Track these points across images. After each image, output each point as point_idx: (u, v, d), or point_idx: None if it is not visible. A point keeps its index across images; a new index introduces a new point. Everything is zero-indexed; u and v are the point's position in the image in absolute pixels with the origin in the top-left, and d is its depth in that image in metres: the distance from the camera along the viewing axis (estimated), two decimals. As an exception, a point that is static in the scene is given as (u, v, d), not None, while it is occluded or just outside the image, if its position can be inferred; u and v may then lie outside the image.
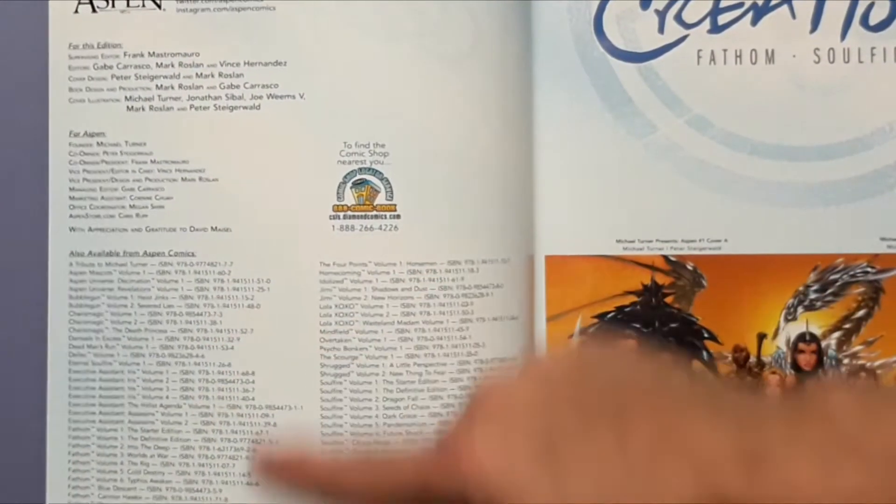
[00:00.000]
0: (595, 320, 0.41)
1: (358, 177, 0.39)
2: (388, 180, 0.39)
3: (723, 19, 0.41)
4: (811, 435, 0.26)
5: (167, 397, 0.39)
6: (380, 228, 0.39)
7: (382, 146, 0.39)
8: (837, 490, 0.25)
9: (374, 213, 0.39)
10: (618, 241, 0.41)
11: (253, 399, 0.39)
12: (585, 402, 0.29)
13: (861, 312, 0.41)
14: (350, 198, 0.39)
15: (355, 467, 0.33)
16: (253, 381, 0.39)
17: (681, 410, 0.28)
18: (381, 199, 0.39)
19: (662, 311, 0.41)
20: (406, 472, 0.31)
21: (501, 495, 0.28)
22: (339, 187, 0.39)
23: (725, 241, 0.41)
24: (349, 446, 0.39)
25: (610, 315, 0.41)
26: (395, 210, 0.39)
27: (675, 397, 0.29)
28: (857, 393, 0.27)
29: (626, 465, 0.27)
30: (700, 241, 0.41)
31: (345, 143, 0.39)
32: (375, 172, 0.39)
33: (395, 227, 0.39)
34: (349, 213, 0.39)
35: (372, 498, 0.32)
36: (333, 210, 0.39)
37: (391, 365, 0.38)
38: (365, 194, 0.39)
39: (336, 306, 0.39)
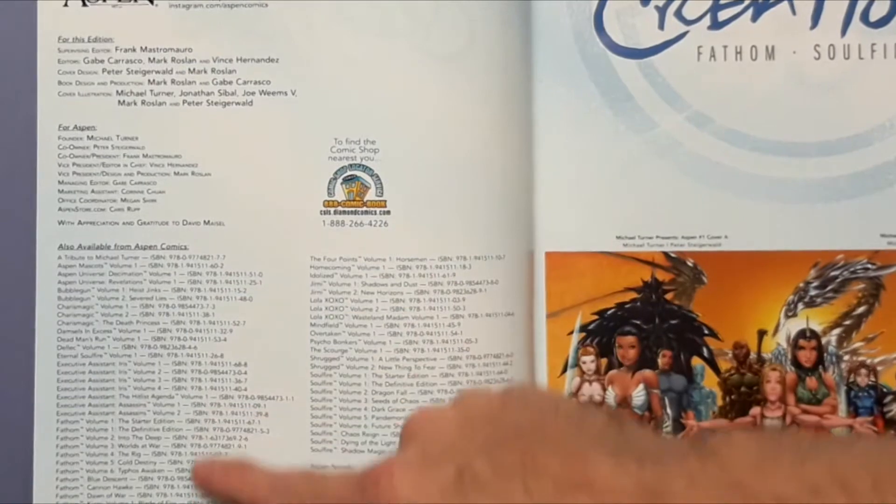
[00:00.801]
0: (595, 317, 0.41)
1: (348, 173, 0.40)
2: (378, 176, 0.40)
3: (723, 15, 0.42)
4: (708, 478, 0.28)
5: (159, 388, 0.40)
6: (370, 224, 0.40)
7: (373, 143, 0.40)
8: None
9: (365, 208, 0.40)
10: (618, 238, 0.41)
11: (245, 390, 0.40)
12: (500, 444, 0.31)
13: (861, 309, 0.41)
14: (340, 193, 0.40)
15: (291, 482, 0.35)
16: (245, 373, 0.40)
17: (587, 451, 0.30)
18: (371, 196, 0.40)
19: (662, 307, 0.41)
20: (336, 492, 0.33)
21: None
22: (329, 183, 0.40)
23: (726, 237, 0.41)
24: (338, 437, 0.39)
25: (610, 311, 0.41)
26: (385, 206, 0.40)
27: (585, 439, 0.31)
28: (755, 439, 0.29)
29: None
30: (700, 237, 0.41)
31: (336, 139, 0.40)
32: (366, 169, 0.40)
33: (385, 223, 0.40)
34: (340, 208, 0.40)
35: None
36: (324, 205, 0.40)
37: (380, 359, 0.39)
38: (355, 190, 0.40)
39: (326, 300, 0.40)
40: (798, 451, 0.29)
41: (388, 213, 0.40)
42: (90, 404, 0.40)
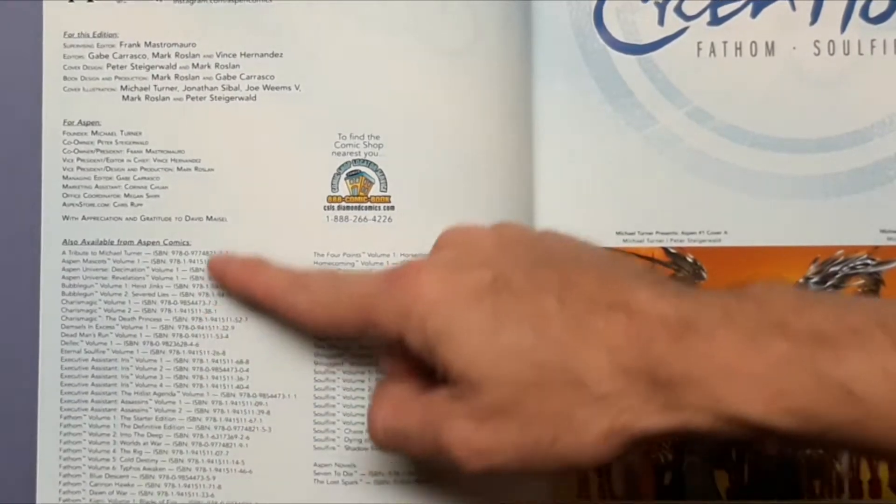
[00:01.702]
0: None
1: (352, 168, 0.39)
2: (382, 172, 0.39)
3: (722, 11, 0.42)
4: (745, 315, 0.27)
5: (161, 385, 0.40)
6: (374, 220, 0.39)
7: (377, 138, 0.39)
8: (763, 359, 0.26)
9: (369, 204, 0.39)
10: (617, 233, 0.41)
11: (247, 387, 0.39)
12: (536, 263, 0.30)
13: None
14: (344, 189, 0.39)
15: (311, 278, 0.34)
16: (247, 370, 0.39)
17: (624, 278, 0.29)
18: (375, 191, 0.39)
19: None
20: (357, 288, 0.32)
21: (436, 332, 0.29)
22: (333, 178, 0.39)
23: (725, 233, 0.41)
24: (341, 434, 0.39)
25: None
26: (389, 202, 0.39)
27: (622, 270, 0.30)
28: (795, 289, 0.29)
29: (562, 321, 0.28)
30: (700, 233, 0.41)
31: (340, 134, 0.40)
32: (370, 164, 0.39)
33: (389, 218, 0.39)
34: (343, 204, 0.39)
35: (321, 314, 0.33)
36: (328, 201, 0.39)
37: (384, 355, 0.39)
38: (359, 185, 0.39)
39: (330, 296, 0.39)
40: (838, 300, 0.28)
41: (393, 208, 0.39)
42: (93, 401, 0.40)
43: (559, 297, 0.29)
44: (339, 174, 0.39)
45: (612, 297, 0.28)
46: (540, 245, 0.32)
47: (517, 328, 0.29)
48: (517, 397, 0.28)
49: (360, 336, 0.33)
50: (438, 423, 0.30)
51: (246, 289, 0.37)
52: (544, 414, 0.28)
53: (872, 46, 0.41)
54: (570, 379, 0.28)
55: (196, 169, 0.40)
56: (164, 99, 0.40)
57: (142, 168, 0.40)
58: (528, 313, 0.29)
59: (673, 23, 0.42)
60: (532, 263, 0.30)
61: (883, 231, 0.41)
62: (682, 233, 0.41)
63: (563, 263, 0.30)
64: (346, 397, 0.39)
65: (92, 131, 0.40)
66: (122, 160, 0.40)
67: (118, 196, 0.40)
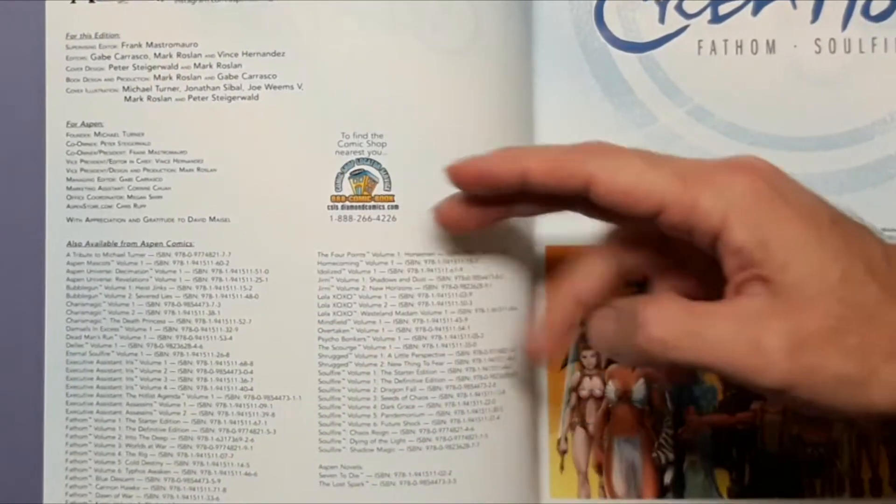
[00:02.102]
0: None
1: (356, 167, 0.39)
2: (385, 171, 0.39)
3: (723, 9, 0.42)
4: None
5: (165, 388, 0.39)
6: (378, 219, 0.39)
7: (381, 137, 0.39)
8: None
9: (372, 203, 0.39)
10: None
11: (251, 389, 0.39)
12: (828, 204, 0.31)
13: None
14: (348, 188, 0.39)
15: (605, 149, 0.32)
16: (251, 372, 0.39)
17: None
18: (378, 190, 0.39)
19: None
20: (686, 166, 0.31)
21: (779, 236, 0.29)
22: (337, 178, 0.39)
23: None
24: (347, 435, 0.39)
25: None
26: (393, 201, 0.39)
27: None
28: None
29: (885, 271, 0.29)
30: None
31: (343, 133, 0.39)
32: (373, 163, 0.39)
33: (393, 217, 0.39)
34: (347, 203, 0.39)
35: (626, 181, 0.31)
36: (331, 200, 0.39)
37: (389, 355, 0.38)
38: (363, 185, 0.39)
39: (334, 297, 0.39)
40: None
41: (397, 207, 0.39)
42: (98, 403, 0.40)
43: (882, 246, 0.30)
44: (342, 173, 0.39)
45: None
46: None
47: (854, 262, 0.29)
48: (845, 326, 0.28)
49: (649, 220, 0.31)
50: (758, 331, 0.28)
51: (516, 165, 0.33)
52: (864, 349, 0.28)
53: (873, 45, 0.41)
54: (890, 330, 0.28)
55: (199, 169, 0.40)
56: (166, 99, 0.40)
57: (144, 169, 0.40)
58: (860, 252, 0.29)
59: (674, 21, 0.42)
60: (844, 211, 0.31)
61: (884, 229, 0.40)
62: None
63: (845, 212, 0.31)
64: (352, 398, 0.39)
65: (95, 132, 0.40)
66: (125, 161, 0.40)
67: (121, 197, 0.40)
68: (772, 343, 0.28)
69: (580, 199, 0.32)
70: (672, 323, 0.29)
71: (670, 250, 0.34)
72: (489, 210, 0.35)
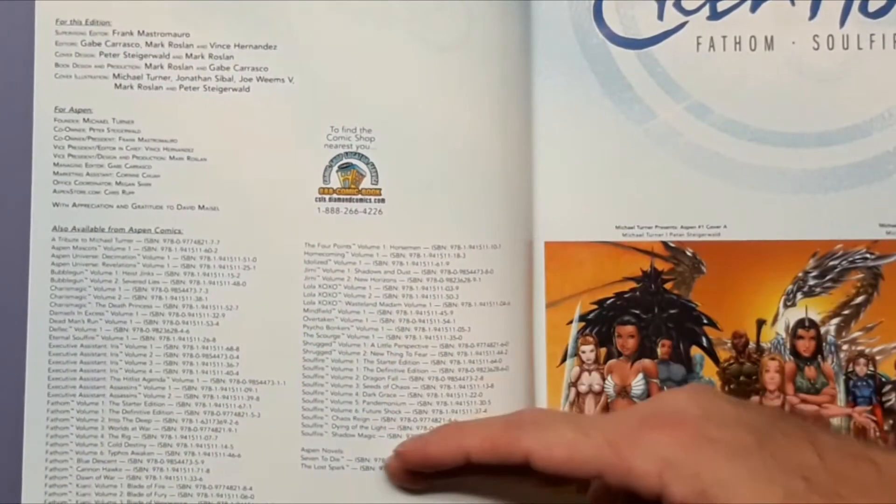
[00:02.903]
0: (594, 306, 0.41)
1: (344, 161, 0.40)
2: (373, 165, 0.40)
3: (722, 6, 0.42)
4: None
5: (150, 371, 0.40)
6: (364, 212, 0.40)
7: (369, 131, 0.40)
8: None
9: (360, 196, 0.40)
10: (617, 228, 0.41)
11: (237, 374, 0.40)
12: (779, 419, 0.32)
13: (860, 298, 0.41)
14: (336, 181, 0.40)
15: (534, 418, 0.35)
16: (237, 357, 0.40)
17: (854, 442, 0.34)
18: (366, 184, 0.40)
19: (662, 297, 0.41)
20: (609, 430, 0.33)
21: (716, 482, 0.30)
22: (325, 170, 0.40)
23: (725, 227, 0.41)
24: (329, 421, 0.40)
25: (609, 301, 0.41)
26: (380, 195, 0.40)
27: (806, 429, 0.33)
28: None
29: (825, 471, 0.30)
30: (699, 227, 0.41)
31: (332, 127, 0.40)
32: (361, 157, 0.40)
33: (380, 210, 0.40)
34: (335, 196, 0.40)
35: (560, 452, 0.34)
36: (319, 192, 0.40)
37: (372, 345, 0.40)
38: (350, 178, 0.40)
39: (320, 286, 0.40)
40: None
41: (383, 201, 0.40)
42: (81, 386, 0.40)
43: (814, 448, 0.31)
44: (330, 166, 0.40)
45: (857, 452, 0.31)
46: (740, 408, 0.34)
47: (791, 479, 0.30)
48: None
49: (592, 479, 0.34)
50: None
51: (458, 448, 0.36)
52: None
53: (871, 41, 0.42)
54: None
55: (188, 158, 0.40)
56: (157, 88, 0.40)
57: (134, 156, 0.40)
58: (797, 467, 0.30)
59: (672, 17, 0.42)
60: (774, 420, 0.32)
61: (882, 225, 0.41)
62: (682, 227, 0.41)
63: (798, 425, 0.33)
64: (335, 384, 0.40)
65: (84, 119, 0.40)
66: (114, 148, 0.40)
67: (109, 184, 0.40)
68: None
69: (520, 470, 0.35)
70: None
71: None
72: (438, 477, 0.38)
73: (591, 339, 0.42)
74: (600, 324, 0.42)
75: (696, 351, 0.42)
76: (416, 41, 0.40)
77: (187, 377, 0.40)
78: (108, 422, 0.40)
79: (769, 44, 0.42)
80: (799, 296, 0.42)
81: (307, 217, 0.40)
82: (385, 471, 0.39)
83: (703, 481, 0.30)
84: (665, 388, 0.42)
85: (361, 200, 0.40)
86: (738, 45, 0.42)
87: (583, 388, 0.42)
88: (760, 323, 0.42)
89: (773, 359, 0.42)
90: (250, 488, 0.40)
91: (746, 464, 0.30)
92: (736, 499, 0.30)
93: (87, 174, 0.40)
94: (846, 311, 0.42)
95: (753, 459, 0.31)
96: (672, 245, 0.42)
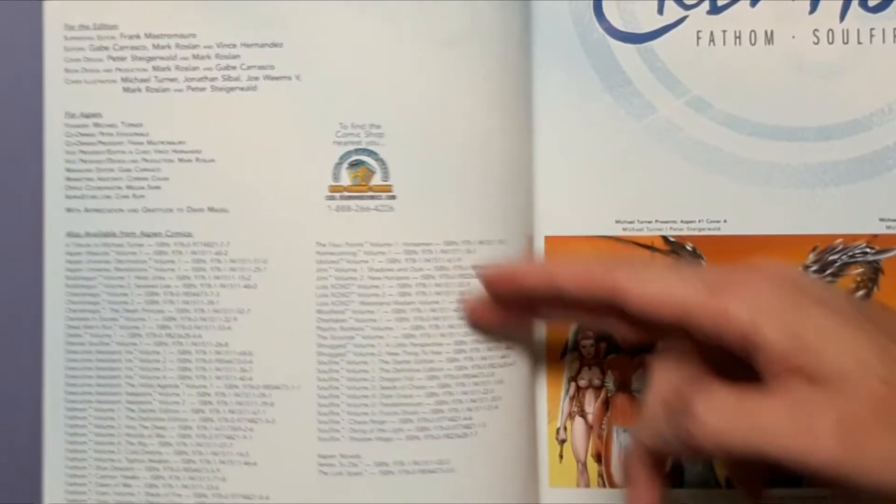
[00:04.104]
0: None
1: (353, 158, 0.39)
2: (383, 161, 0.39)
3: (722, 1, 0.42)
4: None
5: (165, 377, 0.40)
6: (375, 209, 0.39)
7: (378, 127, 0.39)
8: None
9: (370, 193, 0.39)
10: (617, 222, 0.41)
11: (251, 379, 0.39)
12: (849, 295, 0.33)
13: (860, 293, 0.41)
14: (346, 178, 0.39)
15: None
16: (251, 361, 0.39)
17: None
18: (376, 180, 0.39)
19: None
20: (707, 274, 0.32)
21: (816, 329, 0.30)
22: (335, 168, 0.39)
23: (724, 221, 0.41)
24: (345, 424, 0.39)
25: None
26: (391, 191, 0.39)
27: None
28: None
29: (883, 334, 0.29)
30: (699, 221, 0.41)
31: (340, 124, 0.39)
32: (371, 153, 0.39)
33: (391, 207, 0.39)
34: (345, 193, 0.39)
35: (655, 290, 0.32)
36: (329, 191, 0.39)
37: (388, 345, 0.39)
38: (360, 175, 0.39)
39: (332, 286, 0.39)
40: None
41: (394, 197, 0.39)
42: (98, 392, 0.40)
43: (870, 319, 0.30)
44: (340, 164, 0.39)
45: None
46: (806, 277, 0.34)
47: (889, 343, 0.29)
48: (890, 406, 0.29)
49: (675, 327, 0.32)
50: (807, 417, 0.29)
51: (548, 275, 0.35)
52: None
53: (871, 35, 0.41)
54: None
55: (197, 160, 0.40)
56: (164, 90, 0.40)
57: (143, 159, 0.40)
58: (893, 334, 0.30)
59: (672, 12, 0.42)
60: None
61: (882, 220, 0.41)
62: (682, 221, 0.41)
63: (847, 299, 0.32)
64: (350, 388, 0.39)
65: (93, 123, 0.40)
66: (124, 152, 0.40)
67: (120, 188, 0.40)
68: (821, 427, 0.28)
69: (607, 311, 0.33)
70: (726, 413, 0.30)
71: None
72: (518, 312, 0.37)
73: (591, 333, 0.41)
74: (601, 318, 0.41)
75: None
76: (422, 36, 0.39)
77: (201, 383, 0.39)
78: (125, 429, 0.40)
79: (769, 38, 0.41)
80: (800, 291, 0.41)
81: (318, 216, 0.39)
82: (463, 309, 0.38)
83: (798, 326, 0.30)
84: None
85: (372, 197, 0.39)
86: (738, 40, 0.42)
87: (583, 383, 0.41)
88: (761, 317, 0.41)
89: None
90: (267, 497, 0.39)
91: (843, 319, 0.30)
92: (828, 348, 0.29)
93: (99, 179, 0.40)
94: (846, 306, 0.41)
95: (851, 318, 0.30)
96: (672, 239, 0.41)
